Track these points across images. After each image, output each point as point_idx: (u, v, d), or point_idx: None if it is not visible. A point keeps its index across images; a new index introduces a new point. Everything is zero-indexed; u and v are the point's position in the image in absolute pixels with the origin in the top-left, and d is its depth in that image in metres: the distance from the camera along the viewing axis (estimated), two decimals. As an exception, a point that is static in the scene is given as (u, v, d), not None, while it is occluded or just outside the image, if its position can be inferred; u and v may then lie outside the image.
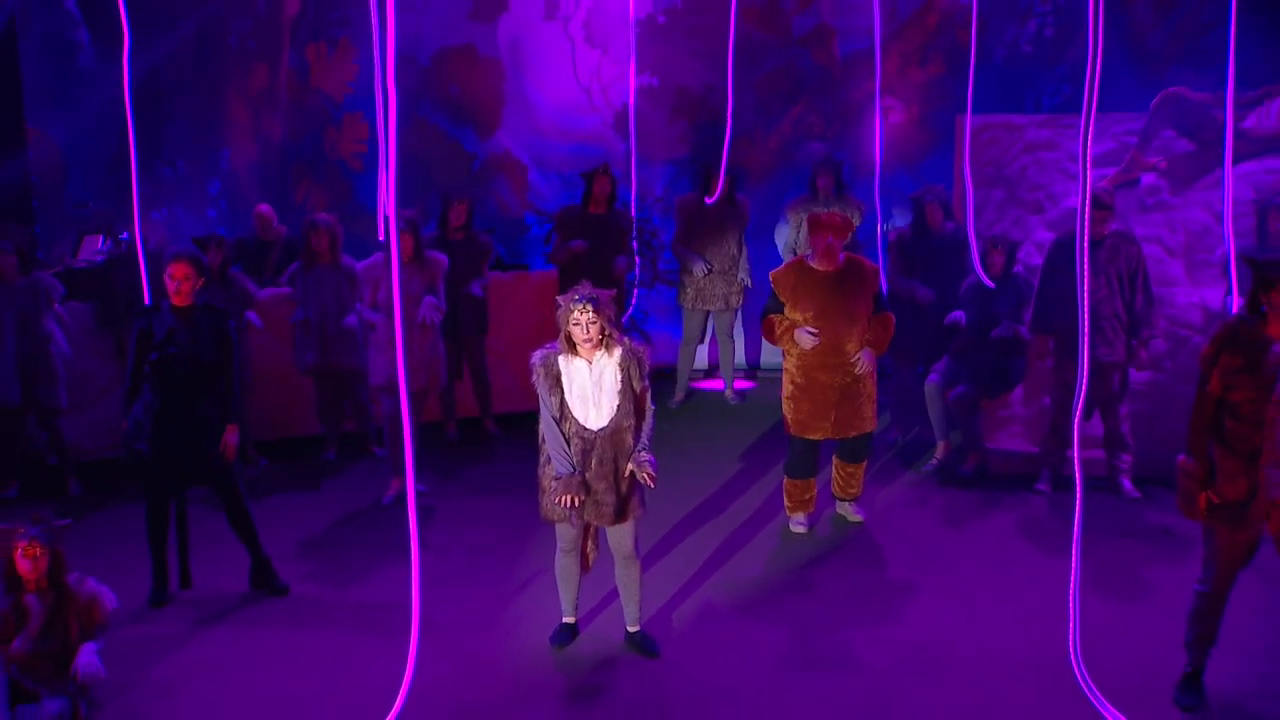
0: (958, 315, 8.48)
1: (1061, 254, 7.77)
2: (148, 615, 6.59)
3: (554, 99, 11.27)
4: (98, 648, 5.51)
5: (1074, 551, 5.05)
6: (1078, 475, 5.01)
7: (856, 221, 9.33)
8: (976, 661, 6.00)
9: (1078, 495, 4.97)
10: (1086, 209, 4.68)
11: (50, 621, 5.46)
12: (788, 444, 7.56)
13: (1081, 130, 4.51)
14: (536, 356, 5.88)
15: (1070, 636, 5.13)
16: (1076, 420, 5.02)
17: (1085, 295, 4.85)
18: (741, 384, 10.73)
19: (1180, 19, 10.33)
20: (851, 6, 10.74)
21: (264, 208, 9.83)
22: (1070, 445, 8.06)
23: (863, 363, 7.23)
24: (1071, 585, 5.04)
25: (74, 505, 8.12)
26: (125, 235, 8.81)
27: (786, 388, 7.43)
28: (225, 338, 6.65)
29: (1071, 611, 5.09)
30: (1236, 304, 7.77)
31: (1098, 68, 4.38)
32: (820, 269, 7.18)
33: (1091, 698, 5.12)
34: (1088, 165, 4.55)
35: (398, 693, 4.92)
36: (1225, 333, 5.37)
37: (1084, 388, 5.01)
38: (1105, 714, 5.13)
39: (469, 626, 6.40)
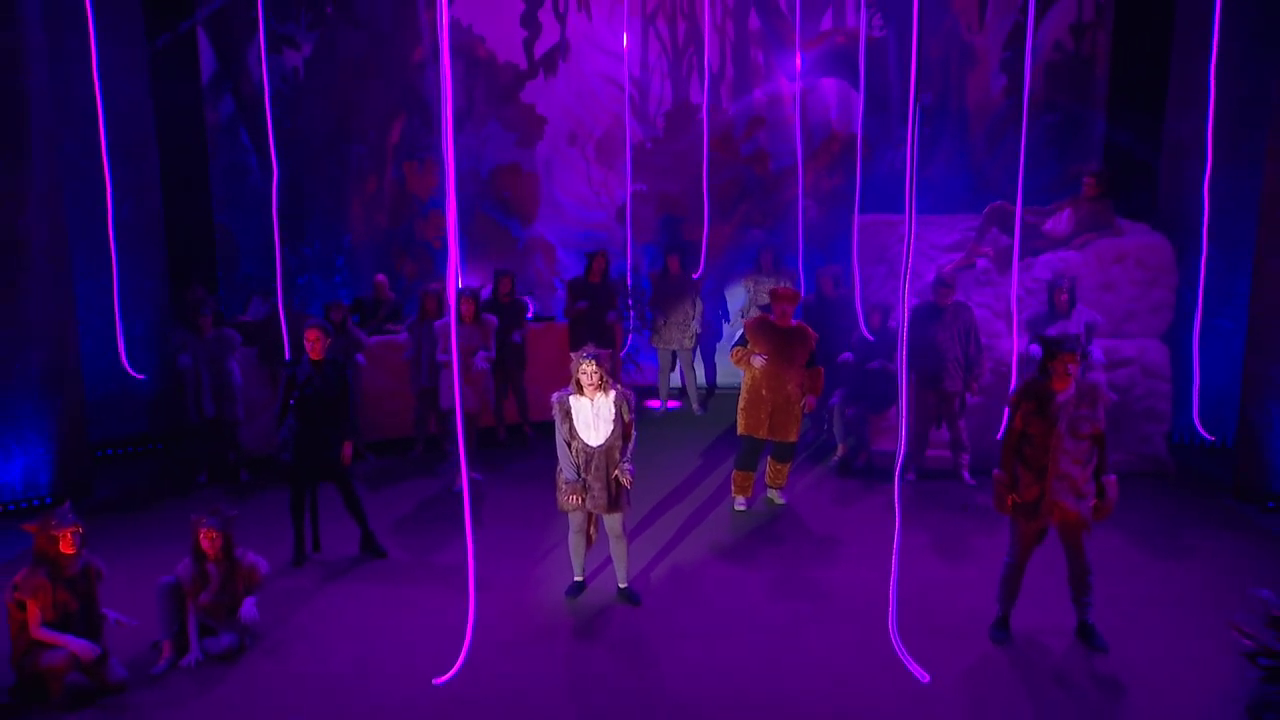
0: (846, 356, 8.53)
1: (920, 316, 7.84)
2: (290, 572, 6.66)
3: (574, 199, 11.31)
4: (256, 599, 5.66)
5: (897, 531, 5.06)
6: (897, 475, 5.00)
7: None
8: (862, 607, 6.04)
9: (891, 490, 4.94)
10: (907, 286, 4.73)
11: (224, 583, 5.60)
12: (739, 442, 7.58)
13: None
14: (554, 397, 5.93)
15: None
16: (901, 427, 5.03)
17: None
18: (672, 404, 10.28)
19: (1004, 151, 10.39)
20: (781, 136, 10.84)
21: (381, 277, 9.73)
22: (928, 446, 8.22)
23: (807, 404, 7.39)
24: (893, 560, 4.98)
25: (244, 489, 8.21)
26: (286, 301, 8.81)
27: (740, 400, 7.49)
28: (344, 382, 6.71)
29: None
30: (1032, 349, 7.80)
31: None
32: (778, 324, 7.34)
33: (897, 648, 5.09)
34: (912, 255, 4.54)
35: (463, 631, 4.91)
36: (1024, 387, 5.47)
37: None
38: (909, 665, 5.06)
39: (508, 582, 6.44)
